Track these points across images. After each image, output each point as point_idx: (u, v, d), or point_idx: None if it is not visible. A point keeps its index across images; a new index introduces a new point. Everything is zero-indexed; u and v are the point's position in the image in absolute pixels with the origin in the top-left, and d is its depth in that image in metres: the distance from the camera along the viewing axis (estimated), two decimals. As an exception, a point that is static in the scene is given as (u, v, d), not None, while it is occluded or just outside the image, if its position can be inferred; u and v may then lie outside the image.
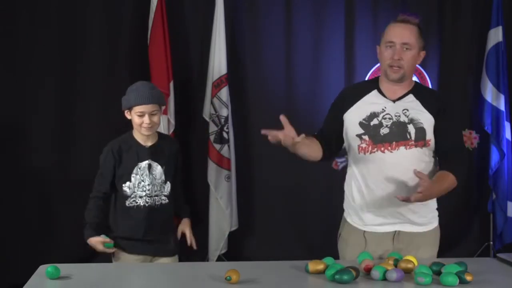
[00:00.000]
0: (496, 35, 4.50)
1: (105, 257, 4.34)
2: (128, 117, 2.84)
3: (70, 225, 4.34)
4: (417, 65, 2.53)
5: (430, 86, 4.58)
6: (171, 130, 4.26)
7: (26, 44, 4.30)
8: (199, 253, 4.45)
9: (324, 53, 4.59)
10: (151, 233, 2.84)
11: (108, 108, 4.35)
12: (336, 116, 2.52)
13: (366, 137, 2.41)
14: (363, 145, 2.42)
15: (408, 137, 2.38)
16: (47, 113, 4.33)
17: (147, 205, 2.81)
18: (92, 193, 2.89)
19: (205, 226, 4.40)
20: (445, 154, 2.43)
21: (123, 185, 2.82)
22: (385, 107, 2.43)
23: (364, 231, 2.48)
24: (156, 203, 2.83)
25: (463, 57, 4.69)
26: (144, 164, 2.81)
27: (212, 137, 4.34)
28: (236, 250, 4.50)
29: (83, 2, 4.36)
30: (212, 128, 4.33)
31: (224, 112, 4.33)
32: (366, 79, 4.38)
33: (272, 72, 4.58)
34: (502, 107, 4.49)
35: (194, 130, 4.52)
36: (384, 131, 2.40)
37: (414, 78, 4.55)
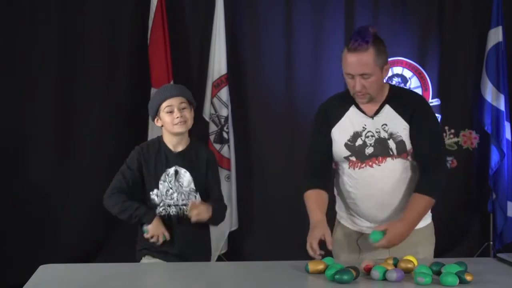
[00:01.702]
0: (496, 35, 4.50)
1: (105, 257, 4.36)
2: (159, 124, 2.61)
3: (70, 226, 4.35)
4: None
5: (430, 86, 4.58)
6: (171, 130, 4.26)
7: (26, 45, 4.30)
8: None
9: (324, 53, 4.59)
10: (182, 247, 2.56)
11: (108, 108, 4.36)
12: (326, 135, 2.45)
13: (353, 158, 2.40)
14: (352, 162, 2.41)
15: (391, 153, 2.37)
16: (47, 113, 4.33)
17: (177, 214, 2.56)
18: (105, 194, 2.58)
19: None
20: (419, 164, 2.40)
21: (151, 193, 2.57)
22: (365, 125, 2.40)
23: (358, 238, 2.48)
24: (185, 213, 2.54)
25: (463, 57, 4.68)
26: (172, 170, 2.57)
27: (212, 137, 4.34)
28: (236, 250, 4.50)
29: (83, 2, 4.36)
30: (212, 128, 4.33)
31: (224, 112, 4.33)
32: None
33: (272, 72, 4.58)
34: (502, 107, 4.49)
35: (194, 130, 4.50)
36: (369, 150, 2.38)
37: (414, 79, 4.61)
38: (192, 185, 2.57)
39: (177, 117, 2.55)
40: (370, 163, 2.38)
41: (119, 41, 4.41)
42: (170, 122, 2.56)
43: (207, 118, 4.35)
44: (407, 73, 4.57)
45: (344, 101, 2.46)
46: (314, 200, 2.41)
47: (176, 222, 2.56)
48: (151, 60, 4.25)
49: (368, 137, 2.39)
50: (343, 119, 2.43)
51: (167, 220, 2.55)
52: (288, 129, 4.59)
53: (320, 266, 2.11)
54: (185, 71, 4.52)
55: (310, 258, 2.18)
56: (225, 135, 4.33)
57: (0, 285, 4.12)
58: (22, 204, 4.29)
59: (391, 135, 2.37)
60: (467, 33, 4.68)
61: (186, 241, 2.56)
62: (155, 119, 2.62)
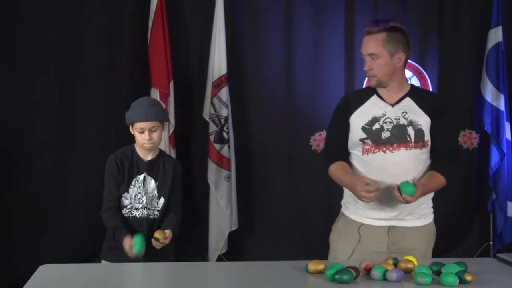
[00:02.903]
0: (496, 35, 4.51)
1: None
2: (132, 132, 2.86)
3: (70, 226, 4.34)
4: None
5: (430, 86, 4.58)
6: (171, 130, 4.26)
7: (26, 45, 4.30)
8: (199, 253, 4.46)
9: (324, 54, 4.59)
10: (147, 246, 2.73)
11: (108, 108, 4.36)
12: (344, 122, 2.56)
13: (368, 141, 2.48)
14: (366, 147, 2.49)
15: (408, 139, 2.45)
16: (47, 113, 4.33)
17: (143, 216, 2.80)
18: (103, 206, 2.83)
19: (205, 226, 4.40)
20: (438, 154, 2.49)
21: (122, 195, 2.82)
22: (386, 111, 2.50)
23: (360, 226, 2.53)
24: (150, 216, 2.81)
25: (463, 57, 4.69)
26: (141, 177, 2.83)
27: (212, 137, 4.34)
28: (236, 250, 4.50)
29: (83, 2, 4.36)
30: (212, 128, 4.33)
31: (224, 112, 4.33)
32: (366, 79, 4.39)
33: (272, 72, 4.59)
34: (502, 107, 4.49)
35: (194, 130, 4.52)
36: (385, 134, 2.47)
37: (414, 79, 4.61)
38: (155, 192, 2.84)
39: (146, 139, 2.79)
40: (384, 149, 2.46)
41: (119, 41, 4.41)
42: (139, 140, 2.82)
43: (207, 118, 4.35)
44: (407, 73, 4.56)
45: (367, 91, 2.60)
46: (340, 169, 2.55)
47: (142, 222, 2.80)
48: (151, 60, 4.26)
49: (386, 122, 2.48)
50: (363, 105, 2.54)
51: (131, 220, 2.80)
52: (288, 129, 4.59)
53: (320, 266, 2.11)
54: (185, 71, 4.53)
55: (310, 258, 2.18)
56: (225, 135, 4.33)
57: (0, 285, 4.12)
58: (22, 204, 4.29)
59: (410, 123, 2.47)
60: (467, 33, 4.68)
61: (150, 240, 2.73)
62: (130, 127, 2.86)
